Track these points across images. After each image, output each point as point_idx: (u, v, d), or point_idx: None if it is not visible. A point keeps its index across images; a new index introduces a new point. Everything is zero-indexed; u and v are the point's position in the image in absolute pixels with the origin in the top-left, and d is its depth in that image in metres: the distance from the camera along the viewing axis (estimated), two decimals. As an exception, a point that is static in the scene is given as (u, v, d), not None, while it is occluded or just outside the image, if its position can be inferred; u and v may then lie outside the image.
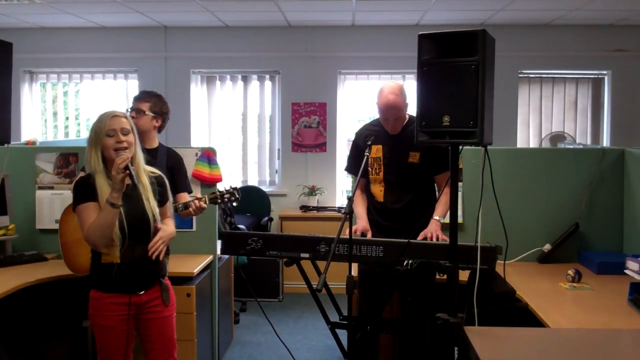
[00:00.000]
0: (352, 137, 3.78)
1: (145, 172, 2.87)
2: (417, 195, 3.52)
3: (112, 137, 2.74)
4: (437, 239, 3.29)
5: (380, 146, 3.53)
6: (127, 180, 2.68)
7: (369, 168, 3.55)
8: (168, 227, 2.93)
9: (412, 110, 2.90)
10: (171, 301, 2.98)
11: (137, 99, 3.60)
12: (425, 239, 3.30)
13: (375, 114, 3.65)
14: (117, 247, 2.74)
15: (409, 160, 3.50)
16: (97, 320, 2.84)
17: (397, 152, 3.52)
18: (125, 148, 2.74)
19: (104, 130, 2.75)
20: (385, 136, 3.54)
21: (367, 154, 3.31)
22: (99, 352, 2.87)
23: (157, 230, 2.84)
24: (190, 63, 7.28)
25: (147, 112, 3.53)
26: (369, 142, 3.36)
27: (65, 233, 3.63)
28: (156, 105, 3.58)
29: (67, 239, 3.62)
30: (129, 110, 3.57)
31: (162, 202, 2.93)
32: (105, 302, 2.81)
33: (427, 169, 3.52)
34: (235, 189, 3.67)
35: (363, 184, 3.64)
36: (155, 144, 3.63)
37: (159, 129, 3.65)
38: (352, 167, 3.72)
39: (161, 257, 2.87)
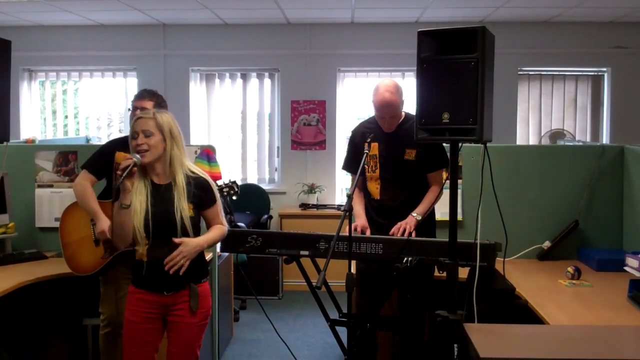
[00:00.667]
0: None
1: (184, 171, 2.81)
2: (413, 192, 3.51)
3: (135, 139, 2.74)
4: (406, 233, 3.29)
5: (376, 144, 3.52)
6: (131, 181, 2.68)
7: (366, 166, 3.54)
8: (192, 240, 2.78)
9: (411, 107, 2.89)
10: (202, 309, 2.84)
11: (141, 97, 3.59)
12: (409, 232, 3.30)
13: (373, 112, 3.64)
14: (143, 245, 2.74)
15: (404, 157, 3.49)
16: (127, 315, 2.85)
17: (393, 149, 3.51)
18: (146, 150, 2.72)
19: (131, 132, 2.78)
20: (382, 134, 3.52)
21: (367, 151, 3.30)
22: (123, 348, 2.86)
23: (178, 243, 2.76)
24: (190, 61, 7.27)
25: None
26: (369, 139, 3.34)
27: (66, 233, 3.62)
28: (159, 105, 3.59)
29: (68, 239, 3.61)
30: (131, 109, 3.57)
31: (200, 205, 2.83)
32: (135, 297, 2.83)
33: (423, 166, 3.51)
34: (234, 182, 3.66)
35: (361, 182, 3.64)
36: None
37: None
38: (350, 165, 3.71)
39: (181, 272, 2.75)
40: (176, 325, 2.83)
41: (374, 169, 3.54)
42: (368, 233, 3.42)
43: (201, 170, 2.89)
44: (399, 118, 3.51)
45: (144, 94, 3.62)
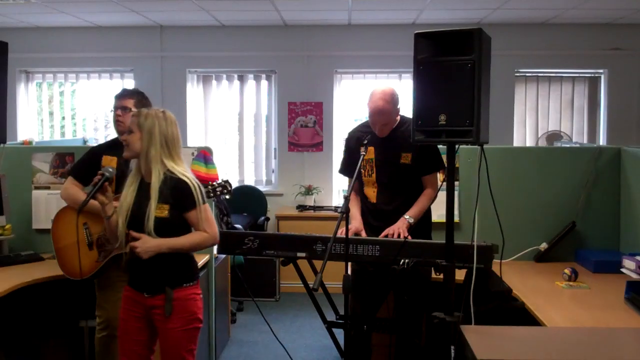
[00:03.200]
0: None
1: (162, 172, 2.77)
2: (409, 196, 3.49)
3: None
4: (399, 236, 3.26)
5: (372, 148, 3.50)
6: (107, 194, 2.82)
7: (362, 170, 3.52)
8: (151, 239, 2.71)
9: (408, 109, 2.89)
10: (183, 313, 2.78)
11: (121, 97, 3.59)
12: (387, 236, 3.28)
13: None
14: (121, 237, 2.81)
15: (401, 161, 3.48)
16: (120, 313, 2.91)
17: (389, 153, 3.50)
18: (126, 145, 2.84)
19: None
20: (378, 138, 3.51)
21: (363, 153, 3.28)
22: (119, 346, 2.92)
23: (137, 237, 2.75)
24: (187, 62, 7.27)
25: (133, 109, 3.51)
26: (365, 142, 3.32)
27: (59, 238, 3.58)
28: (140, 102, 3.56)
29: (61, 244, 3.57)
30: (113, 109, 3.57)
31: (177, 207, 2.76)
32: (125, 294, 2.90)
33: (418, 169, 3.50)
34: (226, 181, 3.65)
35: (357, 185, 3.63)
36: None
37: None
38: (346, 169, 3.70)
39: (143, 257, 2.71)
40: (159, 331, 2.84)
41: (370, 173, 3.53)
42: (363, 235, 3.41)
43: (186, 174, 2.81)
44: (391, 125, 3.49)
45: (124, 93, 3.63)
